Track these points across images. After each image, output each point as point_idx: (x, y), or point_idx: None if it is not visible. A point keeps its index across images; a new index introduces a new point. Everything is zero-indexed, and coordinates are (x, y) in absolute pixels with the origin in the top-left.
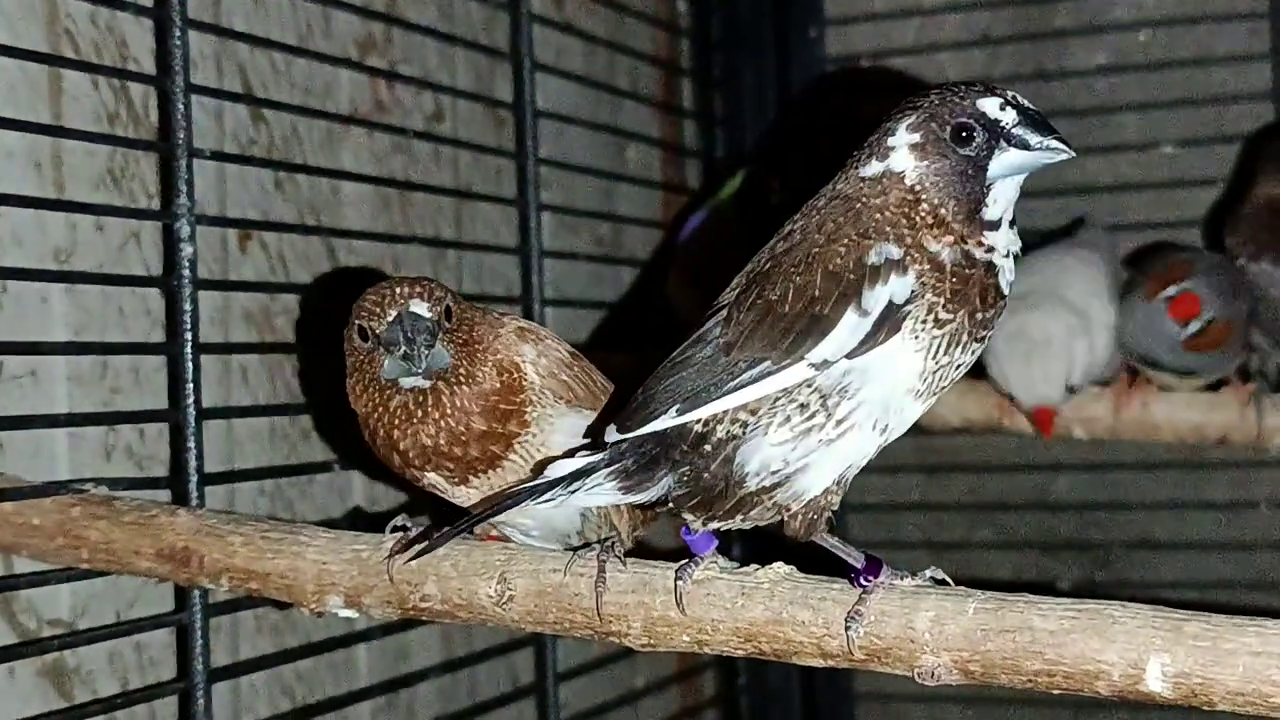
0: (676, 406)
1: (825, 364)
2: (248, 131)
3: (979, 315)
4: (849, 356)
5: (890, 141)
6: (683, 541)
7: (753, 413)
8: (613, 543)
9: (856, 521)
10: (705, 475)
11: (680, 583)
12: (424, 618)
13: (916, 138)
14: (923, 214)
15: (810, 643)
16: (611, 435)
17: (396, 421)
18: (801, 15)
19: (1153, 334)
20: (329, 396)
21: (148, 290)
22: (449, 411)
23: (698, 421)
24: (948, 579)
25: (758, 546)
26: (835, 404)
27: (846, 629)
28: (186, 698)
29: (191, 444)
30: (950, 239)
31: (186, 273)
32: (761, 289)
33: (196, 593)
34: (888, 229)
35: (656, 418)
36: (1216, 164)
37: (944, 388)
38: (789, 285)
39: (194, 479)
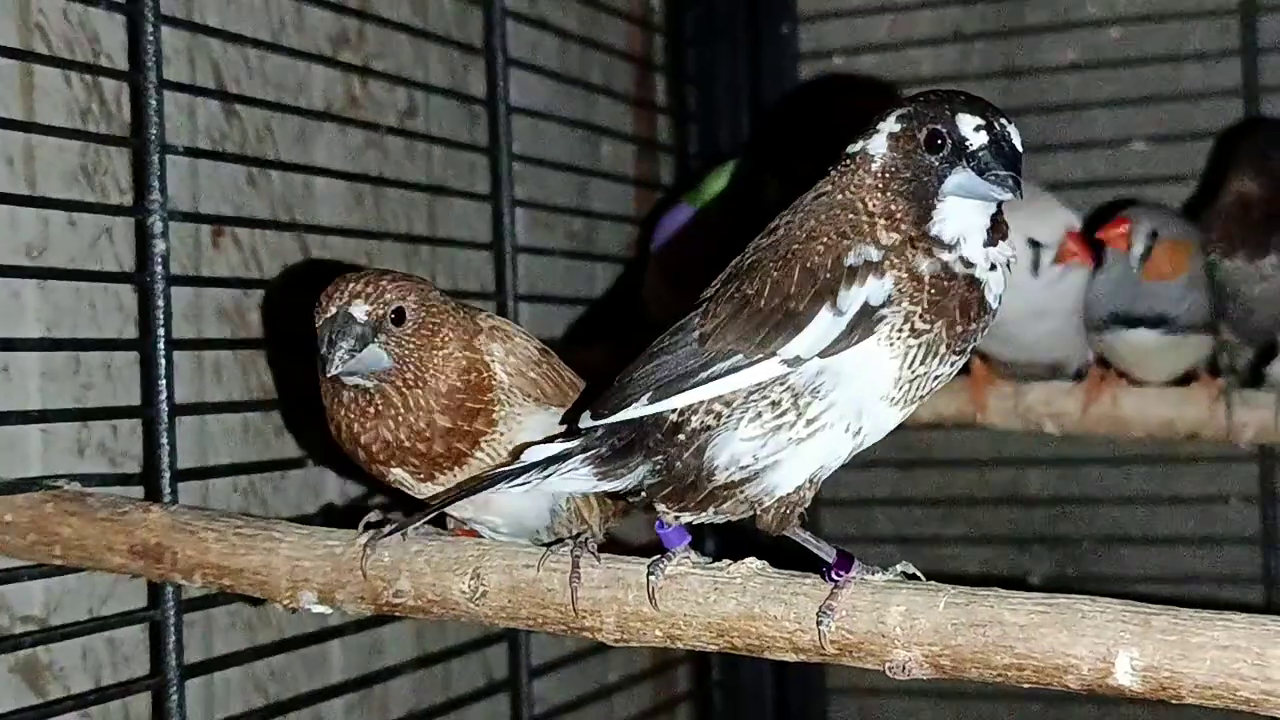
0: (648, 395)
1: (798, 361)
2: (221, 127)
3: (958, 328)
4: (821, 355)
5: (879, 125)
6: (656, 537)
7: (727, 405)
8: (586, 538)
9: (829, 516)
10: (678, 465)
11: (653, 578)
12: (397, 613)
13: (897, 129)
14: (875, 202)
15: (782, 637)
16: (585, 421)
17: (353, 416)
18: (774, 11)
19: (1112, 280)
20: (303, 392)
21: (120, 286)
22: (408, 408)
23: (673, 411)
24: (919, 574)
25: (731, 542)
26: (807, 403)
27: (818, 624)
28: (160, 694)
29: (165, 440)
30: (898, 237)
31: (159, 269)
32: (741, 283)
33: (170, 589)
34: (863, 226)
35: (629, 405)
36: (1187, 160)
37: (922, 397)
38: (767, 280)
39: (167, 475)
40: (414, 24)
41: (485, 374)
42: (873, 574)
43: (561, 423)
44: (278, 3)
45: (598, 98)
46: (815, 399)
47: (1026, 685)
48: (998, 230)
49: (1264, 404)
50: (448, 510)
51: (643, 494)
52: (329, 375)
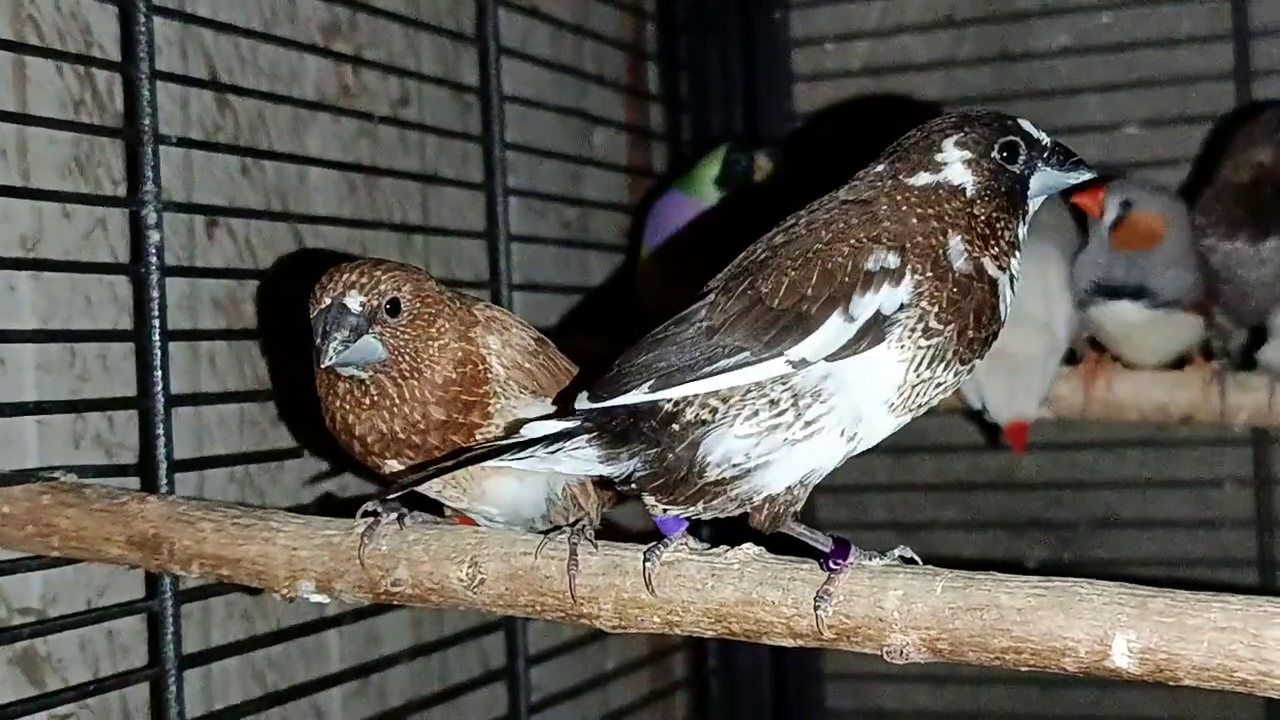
0: (650, 383)
1: (804, 363)
2: (213, 118)
3: (969, 334)
4: (828, 360)
5: (940, 157)
6: (652, 525)
7: (724, 400)
8: (583, 525)
9: (824, 503)
10: (670, 457)
11: (649, 564)
12: (395, 602)
13: (968, 154)
14: (980, 226)
15: (780, 623)
16: (583, 403)
17: (348, 407)
18: None
19: (1091, 250)
20: (298, 382)
21: (115, 278)
22: (403, 400)
23: (668, 401)
24: (916, 558)
25: (727, 527)
26: (807, 405)
27: (816, 608)
28: (158, 684)
29: (161, 431)
30: (992, 252)
31: (154, 260)
32: (754, 279)
33: (167, 580)
34: (916, 235)
35: (629, 391)
36: (1181, 144)
37: (921, 406)
38: (782, 279)
39: (164, 466)
40: (406, 13)
41: (481, 366)
42: (870, 559)
43: (555, 403)
44: None
45: (590, 86)
46: (816, 401)
47: (1024, 669)
48: None
49: (1258, 387)
50: (444, 500)
51: (632, 484)
52: (323, 366)
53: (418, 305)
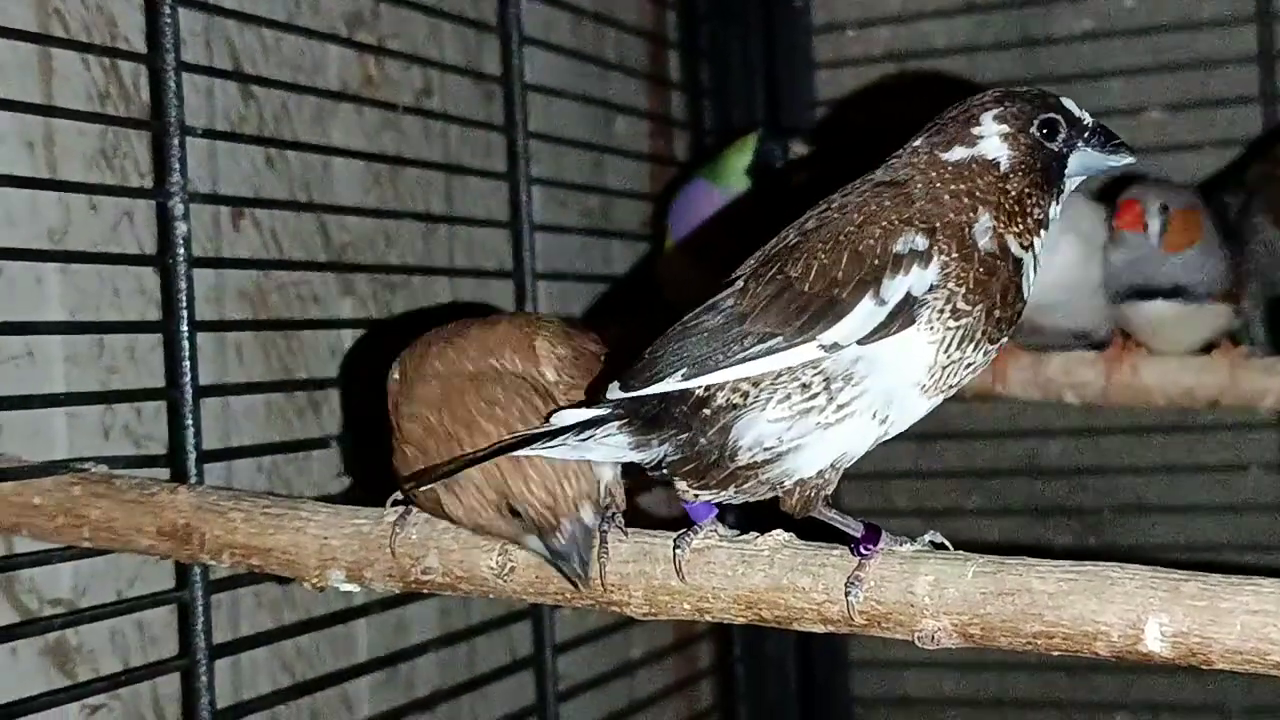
0: (684, 370)
1: (836, 347)
2: (238, 109)
3: (997, 313)
4: (860, 343)
5: (977, 130)
6: (680, 510)
7: (755, 384)
8: (613, 512)
9: (848, 490)
10: (701, 441)
11: (679, 551)
12: (425, 590)
13: (1006, 128)
14: (1010, 203)
15: (811, 609)
16: (614, 393)
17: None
18: None
19: (1127, 255)
20: (326, 373)
21: (142, 269)
22: None
23: (700, 386)
24: (946, 543)
25: (756, 513)
26: (839, 389)
27: (846, 594)
28: (189, 674)
29: (190, 421)
30: (1016, 230)
31: (181, 251)
32: (784, 264)
33: (197, 570)
34: (947, 213)
35: (662, 379)
36: (1204, 128)
37: (952, 386)
38: (812, 264)
39: (193, 456)
40: (428, 2)
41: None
42: (900, 544)
43: (585, 394)
44: None
45: (611, 75)
46: (848, 385)
47: (1055, 654)
48: None
49: None
50: None
51: (664, 470)
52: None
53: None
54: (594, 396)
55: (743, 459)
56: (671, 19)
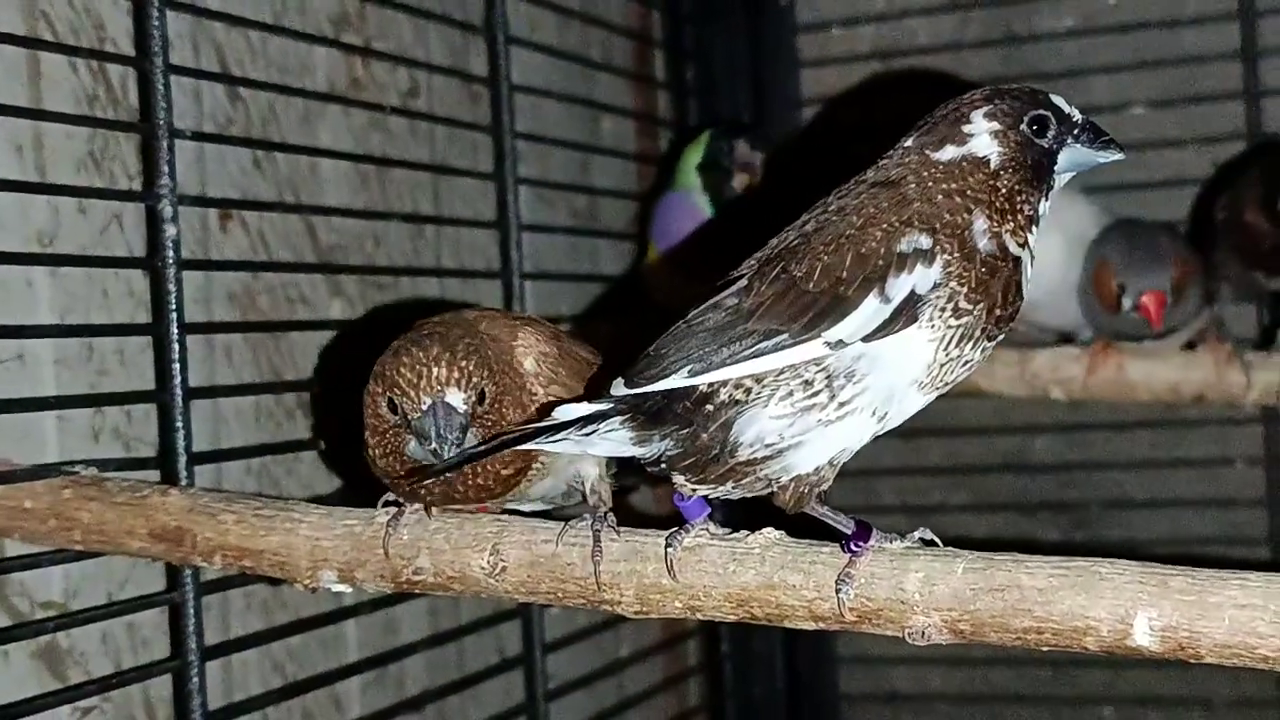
0: (689, 367)
1: (840, 345)
2: (226, 111)
3: (996, 311)
4: (864, 340)
5: (967, 129)
6: (673, 510)
7: (758, 381)
8: (605, 512)
9: (834, 487)
10: (703, 437)
11: (671, 550)
12: (417, 591)
13: (996, 125)
14: (1000, 200)
15: (802, 606)
16: (619, 389)
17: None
18: None
19: (1130, 323)
20: (314, 374)
21: (131, 272)
22: (479, 472)
23: (705, 382)
24: (936, 540)
25: (747, 512)
26: (841, 386)
27: (837, 592)
28: (180, 676)
29: (180, 424)
30: (1009, 227)
31: (170, 253)
32: (787, 264)
33: (188, 572)
34: (943, 214)
35: (667, 376)
36: (1187, 124)
37: (948, 383)
38: (816, 263)
39: (183, 459)
40: (414, 4)
41: (535, 407)
42: (891, 541)
43: (585, 389)
44: None
45: (597, 74)
46: (850, 382)
47: (1045, 649)
48: None
49: (1269, 366)
50: None
51: (662, 464)
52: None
53: (493, 389)
54: (595, 393)
55: (743, 455)
56: (657, 18)
